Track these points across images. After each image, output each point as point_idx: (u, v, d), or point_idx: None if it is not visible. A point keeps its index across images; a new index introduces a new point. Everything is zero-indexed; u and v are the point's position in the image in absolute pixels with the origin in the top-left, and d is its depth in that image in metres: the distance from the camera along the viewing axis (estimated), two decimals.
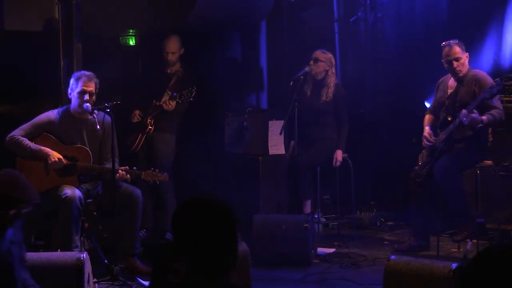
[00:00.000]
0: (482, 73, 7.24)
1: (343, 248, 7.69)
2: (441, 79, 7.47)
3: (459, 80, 7.19)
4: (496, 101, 7.02)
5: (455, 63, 7.14)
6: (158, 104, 7.94)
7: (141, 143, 8.00)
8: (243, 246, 5.75)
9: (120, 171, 6.47)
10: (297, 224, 7.12)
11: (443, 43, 7.22)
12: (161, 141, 8.08)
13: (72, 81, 6.72)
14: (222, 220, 2.69)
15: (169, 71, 8.22)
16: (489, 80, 7.11)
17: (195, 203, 2.75)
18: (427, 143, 7.28)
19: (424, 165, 7.33)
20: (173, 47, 8.15)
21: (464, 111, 6.86)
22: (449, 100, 7.27)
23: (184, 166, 8.36)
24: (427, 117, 7.49)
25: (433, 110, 7.50)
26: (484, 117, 6.89)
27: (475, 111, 6.82)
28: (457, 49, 7.13)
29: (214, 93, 8.94)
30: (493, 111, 6.94)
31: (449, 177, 7.07)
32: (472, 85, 7.10)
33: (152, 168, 6.68)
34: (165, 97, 8.01)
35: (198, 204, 2.74)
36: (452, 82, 7.32)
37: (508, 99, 7.52)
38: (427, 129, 7.36)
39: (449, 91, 7.32)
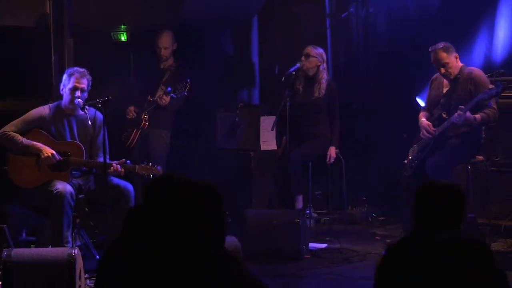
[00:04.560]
0: (477, 71, 7.21)
1: (335, 243, 7.70)
2: (435, 76, 7.45)
3: (454, 80, 7.18)
4: (493, 103, 7.02)
5: (442, 69, 7.14)
6: (152, 99, 7.95)
7: (136, 139, 8.00)
8: (234, 241, 5.76)
9: (113, 165, 6.47)
10: (289, 219, 7.13)
11: (430, 48, 7.21)
12: (155, 137, 8.10)
13: (64, 76, 6.71)
14: (195, 191, 2.70)
15: (162, 66, 8.23)
16: (485, 78, 7.10)
17: (168, 177, 2.77)
18: (427, 134, 7.24)
19: (414, 159, 7.34)
20: (165, 42, 8.16)
21: (456, 114, 6.89)
22: (445, 99, 7.26)
23: (177, 162, 8.36)
24: (422, 114, 7.48)
25: (428, 108, 7.50)
26: (477, 116, 6.91)
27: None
28: (442, 55, 7.11)
29: (205, 89, 8.94)
30: (488, 110, 6.95)
31: (440, 172, 7.07)
32: (467, 84, 7.09)
33: (146, 162, 6.68)
34: (160, 92, 8.03)
35: (170, 176, 2.75)
36: (447, 81, 7.31)
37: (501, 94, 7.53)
38: (424, 120, 7.34)
39: (445, 89, 7.31)
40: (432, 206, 3.37)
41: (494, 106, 7.02)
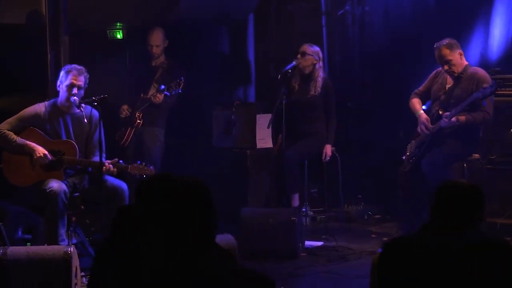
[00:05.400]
0: (482, 72, 7.18)
1: (331, 241, 7.70)
2: (441, 69, 7.40)
3: (457, 78, 7.18)
4: (488, 102, 7.01)
5: (446, 66, 7.14)
6: (145, 97, 7.94)
7: (130, 138, 7.98)
8: (230, 239, 5.76)
9: (106, 164, 6.45)
10: (285, 217, 7.13)
11: (435, 45, 7.20)
12: (150, 135, 8.08)
13: (62, 73, 6.69)
14: (192, 191, 2.71)
15: (154, 64, 8.22)
16: (488, 79, 7.09)
17: (160, 176, 2.78)
18: (425, 130, 7.23)
19: (411, 156, 7.33)
20: (157, 39, 8.15)
21: (442, 120, 6.94)
22: (445, 96, 7.27)
23: (172, 160, 8.35)
24: (416, 101, 7.46)
25: (420, 94, 7.48)
26: (462, 117, 6.95)
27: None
28: (446, 52, 7.10)
29: (201, 87, 8.93)
30: (476, 114, 6.98)
31: (437, 170, 7.08)
32: (470, 83, 7.08)
33: (139, 162, 6.67)
34: (152, 90, 8.02)
35: (163, 176, 2.76)
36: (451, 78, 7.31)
37: (495, 92, 7.53)
38: (422, 113, 7.33)
39: (447, 86, 7.31)
40: (454, 205, 3.30)
41: (487, 109, 7.02)
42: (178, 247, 2.63)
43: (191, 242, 2.64)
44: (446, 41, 7.12)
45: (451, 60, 7.09)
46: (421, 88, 7.55)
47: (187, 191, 2.68)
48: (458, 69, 7.13)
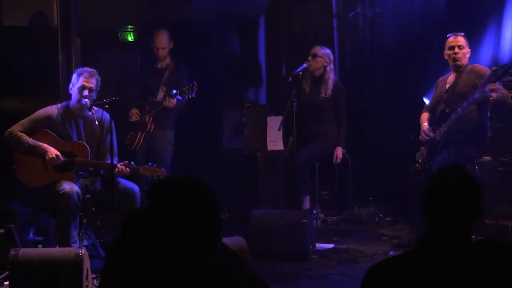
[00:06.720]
0: (479, 65, 7.35)
1: (342, 243, 7.68)
2: (440, 78, 7.49)
3: (458, 70, 7.20)
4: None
5: (457, 49, 7.17)
6: (155, 101, 7.93)
7: (140, 142, 7.96)
8: (241, 241, 5.76)
9: (119, 166, 6.47)
10: (296, 219, 7.12)
11: (449, 34, 7.25)
12: (160, 138, 8.07)
13: (74, 76, 6.73)
14: (198, 193, 2.72)
15: (160, 66, 8.20)
16: (487, 69, 7.15)
17: (171, 178, 2.80)
18: (425, 137, 7.28)
19: (425, 161, 7.31)
20: (163, 42, 8.14)
21: (477, 93, 6.93)
22: (447, 94, 7.28)
23: (183, 162, 8.36)
24: (425, 115, 7.50)
25: (431, 108, 7.50)
26: (494, 94, 6.94)
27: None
28: (462, 39, 7.21)
29: (212, 89, 8.95)
30: (501, 90, 7.01)
31: None
32: (471, 77, 7.13)
33: (150, 163, 6.68)
34: (161, 93, 8.00)
35: (174, 179, 2.77)
36: (451, 78, 7.33)
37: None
38: (425, 124, 7.37)
39: (447, 85, 7.33)
40: (446, 201, 3.02)
41: (503, 88, 7.09)
42: (184, 248, 2.65)
43: (195, 243, 2.66)
44: (462, 33, 7.20)
45: (464, 47, 7.17)
46: (429, 103, 7.59)
47: (191, 193, 2.70)
48: (463, 62, 7.19)
